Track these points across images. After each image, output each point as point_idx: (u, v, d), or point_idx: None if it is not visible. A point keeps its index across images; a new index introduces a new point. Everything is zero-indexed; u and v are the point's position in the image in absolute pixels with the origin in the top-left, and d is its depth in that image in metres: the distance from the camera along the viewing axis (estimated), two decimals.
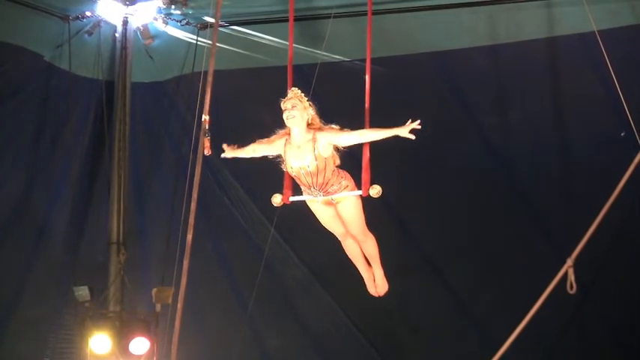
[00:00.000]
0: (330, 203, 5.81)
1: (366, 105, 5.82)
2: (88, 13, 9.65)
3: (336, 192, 5.71)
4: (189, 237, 7.54)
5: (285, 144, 5.70)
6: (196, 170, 7.39)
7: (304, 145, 5.62)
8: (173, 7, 9.66)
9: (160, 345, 9.17)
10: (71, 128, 9.87)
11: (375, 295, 6.29)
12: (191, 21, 9.75)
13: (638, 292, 9.25)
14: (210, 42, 7.92)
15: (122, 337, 9.09)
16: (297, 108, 5.62)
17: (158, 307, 9.28)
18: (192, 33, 9.79)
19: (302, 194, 5.82)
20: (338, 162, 5.71)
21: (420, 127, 5.43)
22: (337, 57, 9.44)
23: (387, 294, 6.33)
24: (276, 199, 5.85)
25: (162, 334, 9.20)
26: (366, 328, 10.03)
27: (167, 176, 10.18)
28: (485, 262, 9.64)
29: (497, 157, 9.61)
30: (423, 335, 9.93)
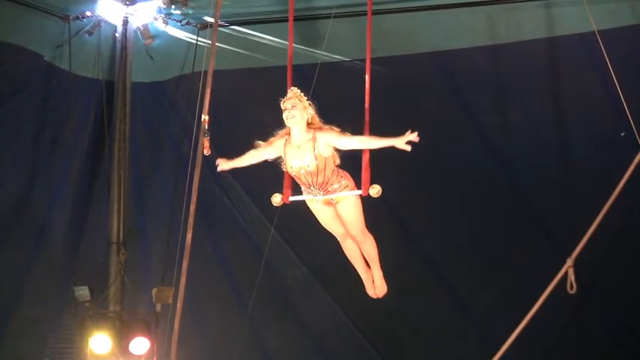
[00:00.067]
0: (329, 203, 5.81)
1: (366, 105, 5.83)
2: (88, 13, 9.65)
3: (335, 191, 5.72)
4: (189, 237, 7.55)
5: (285, 144, 5.70)
6: (196, 170, 7.40)
7: (304, 144, 5.63)
8: (173, 7, 9.66)
9: (160, 345, 9.17)
10: (71, 128, 9.87)
11: (374, 296, 6.30)
12: (191, 21, 9.75)
13: (638, 292, 9.25)
14: (210, 42, 7.92)
15: (122, 337, 9.09)
16: (296, 108, 5.63)
17: (158, 307, 9.27)
18: (193, 33, 9.79)
19: (302, 194, 5.83)
20: (338, 161, 5.72)
21: (417, 139, 5.42)
22: (337, 57, 9.44)
23: (386, 294, 6.32)
24: (276, 199, 5.86)
25: (163, 334, 9.20)
26: (366, 328, 10.03)
27: (167, 176, 10.18)
28: (485, 262, 9.63)
29: (497, 157, 9.60)
30: (423, 335, 9.92)
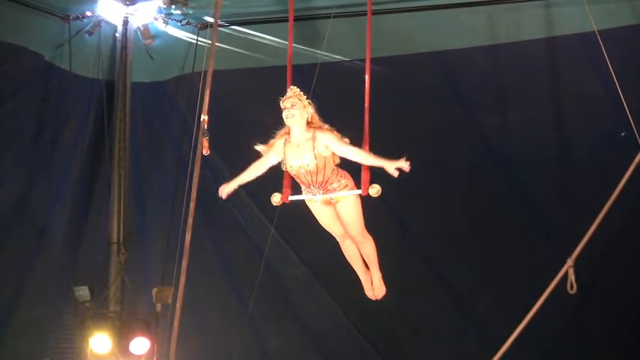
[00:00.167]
0: (329, 203, 5.80)
1: (366, 104, 5.83)
2: (88, 13, 9.65)
3: (335, 190, 5.71)
4: (188, 237, 7.55)
5: (284, 143, 5.70)
6: (195, 170, 7.40)
7: (304, 143, 5.62)
8: (173, 7, 9.66)
9: (160, 345, 9.17)
10: (71, 128, 9.87)
11: (373, 298, 6.27)
12: (191, 21, 9.75)
13: (638, 292, 9.25)
14: (210, 42, 7.92)
15: (122, 337, 9.09)
16: (296, 107, 5.62)
17: (158, 307, 9.27)
18: (193, 33, 9.79)
19: (301, 193, 5.83)
20: (338, 161, 5.71)
21: (408, 169, 5.47)
22: (337, 57, 9.44)
23: (386, 294, 6.31)
24: (276, 199, 5.86)
25: (163, 334, 9.19)
26: (366, 328, 10.03)
27: (167, 176, 10.19)
28: (485, 262, 9.63)
29: (497, 157, 9.61)
30: (423, 335, 9.92)
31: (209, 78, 6.94)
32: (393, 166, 5.46)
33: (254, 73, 9.81)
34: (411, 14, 9.19)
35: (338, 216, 5.85)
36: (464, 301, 9.87)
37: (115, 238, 9.64)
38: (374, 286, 6.22)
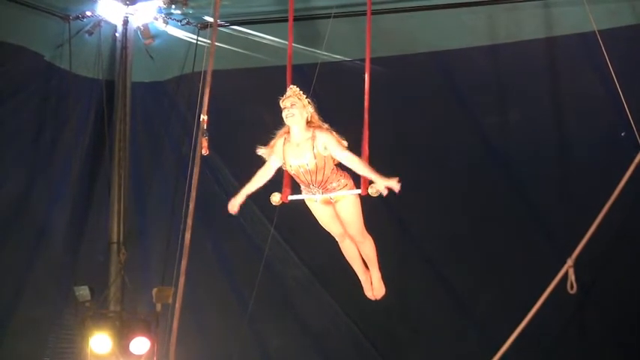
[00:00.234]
0: (328, 202, 5.80)
1: (366, 104, 5.82)
2: (88, 13, 9.64)
3: (334, 190, 5.71)
4: (188, 237, 7.55)
5: (283, 143, 5.70)
6: (194, 170, 7.40)
7: (303, 143, 5.62)
8: (173, 6, 9.66)
9: (161, 345, 9.16)
10: (71, 128, 9.87)
11: (372, 298, 6.27)
12: (191, 21, 9.75)
13: (638, 292, 9.25)
14: (210, 42, 7.93)
15: (122, 337, 9.08)
16: (296, 106, 5.62)
17: (158, 306, 9.26)
18: (193, 33, 9.79)
19: (301, 193, 5.83)
20: (337, 160, 5.70)
21: (398, 191, 5.48)
22: (337, 57, 9.44)
23: (386, 294, 6.31)
24: (275, 198, 5.86)
25: (163, 334, 9.19)
26: (366, 327, 10.03)
27: (167, 176, 10.19)
28: (485, 262, 9.63)
29: (497, 157, 9.60)
30: (423, 335, 9.93)
31: (209, 78, 6.94)
32: (383, 184, 5.48)
33: (254, 73, 9.81)
34: (411, 14, 9.20)
35: (337, 216, 5.85)
36: (464, 301, 9.87)
37: (115, 238, 9.64)
38: (373, 286, 6.22)
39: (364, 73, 5.91)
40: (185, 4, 9.59)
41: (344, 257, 6.16)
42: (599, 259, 8.59)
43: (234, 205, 5.88)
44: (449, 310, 9.87)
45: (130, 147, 9.85)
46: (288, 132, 5.69)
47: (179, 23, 9.76)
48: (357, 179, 5.72)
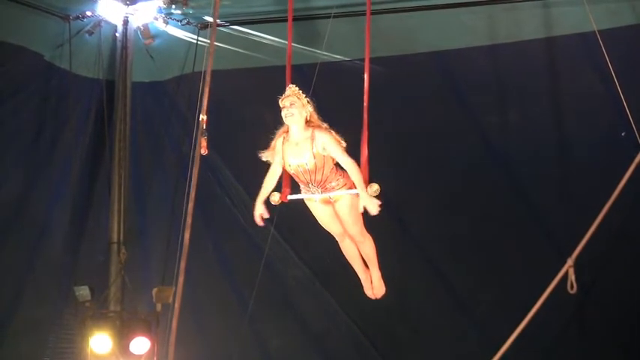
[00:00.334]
0: (328, 202, 5.80)
1: (365, 104, 5.82)
2: (88, 13, 9.64)
3: (334, 189, 5.72)
4: (187, 236, 7.55)
5: (283, 142, 5.70)
6: (194, 170, 7.40)
7: (302, 142, 5.62)
8: (173, 6, 9.66)
9: (161, 345, 9.15)
10: (71, 128, 9.86)
11: (372, 297, 6.28)
12: (191, 21, 9.75)
13: (638, 292, 9.25)
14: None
15: (122, 337, 9.06)
16: (295, 106, 5.62)
17: (159, 306, 9.25)
18: (193, 33, 9.78)
19: (300, 193, 5.83)
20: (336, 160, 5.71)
21: (374, 214, 5.52)
22: (337, 57, 9.44)
23: (386, 294, 6.32)
24: (274, 198, 5.87)
25: (163, 334, 9.18)
26: (366, 327, 10.03)
27: (167, 176, 10.19)
28: (485, 262, 9.63)
29: (497, 157, 9.60)
30: (423, 335, 9.92)
31: (208, 78, 6.95)
32: (364, 201, 5.52)
33: (254, 73, 9.80)
34: (411, 14, 9.19)
35: (337, 215, 5.85)
36: (464, 301, 9.87)
37: (115, 238, 9.63)
38: (373, 285, 6.22)
39: (364, 73, 5.91)
40: (185, 4, 9.59)
41: (344, 257, 6.17)
42: (599, 259, 8.59)
43: (257, 217, 5.86)
44: (449, 310, 9.87)
45: (130, 147, 9.84)
46: (287, 131, 5.70)
47: (179, 23, 9.76)
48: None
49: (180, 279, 7.72)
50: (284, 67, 6.12)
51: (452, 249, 9.75)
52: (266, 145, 5.83)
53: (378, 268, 6.15)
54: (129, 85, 9.87)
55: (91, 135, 10.09)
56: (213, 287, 10.20)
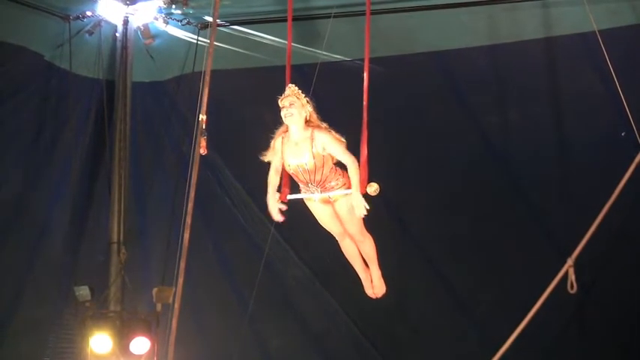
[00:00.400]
0: (327, 201, 5.81)
1: (364, 103, 5.82)
2: (88, 13, 9.64)
3: (333, 189, 5.72)
4: (187, 236, 7.55)
5: (282, 142, 5.70)
6: (194, 170, 7.40)
7: (302, 142, 5.63)
8: (174, 6, 9.66)
9: (161, 345, 9.15)
10: (71, 128, 9.86)
11: (373, 296, 6.29)
12: (192, 21, 9.74)
13: (638, 292, 9.25)
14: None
15: (123, 337, 9.06)
16: (294, 106, 5.63)
17: (159, 306, 9.25)
18: (193, 33, 9.78)
19: (300, 192, 5.83)
20: (336, 159, 5.71)
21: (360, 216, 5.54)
22: (337, 57, 9.44)
23: (386, 294, 6.32)
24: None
25: (163, 334, 9.17)
26: (366, 327, 10.03)
27: (167, 176, 10.19)
28: (485, 262, 9.63)
29: (497, 156, 9.60)
30: (423, 335, 9.92)
31: (207, 77, 6.95)
32: (355, 201, 5.56)
33: (254, 73, 9.80)
34: (411, 14, 9.19)
35: (337, 215, 5.86)
36: (464, 301, 9.87)
37: (115, 238, 9.62)
38: (374, 285, 6.23)
39: (364, 73, 5.91)
40: (185, 4, 9.58)
41: (344, 256, 6.17)
42: (599, 259, 8.59)
43: (275, 214, 5.84)
44: (449, 310, 9.87)
45: (130, 147, 9.84)
46: (287, 131, 5.70)
47: (179, 23, 9.76)
48: None
49: (180, 279, 7.72)
50: (284, 67, 6.13)
51: (452, 249, 9.75)
52: (266, 146, 5.84)
53: (378, 268, 6.16)
54: (129, 85, 9.87)
55: (91, 135, 10.09)
56: (213, 287, 10.20)
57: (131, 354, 9.04)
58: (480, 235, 9.58)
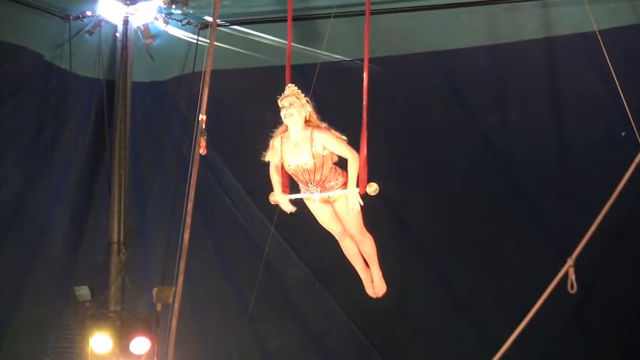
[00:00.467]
0: (327, 201, 5.82)
1: (364, 102, 5.83)
2: (88, 13, 9.64)
3: (333, 189, 5.73)
4: (186, 236, 7.55)
5: (281, 142, 5.71)
6: (193, 170, 7.40)
7: (301, 142, 5.63)
8: (174, 6, 9.66)
9: (161, 345, 9.15)
10: (71, 128, 9.86)
11: (373, 296, 6.30)
12: (192, 20, 9.74)
13: (638, 292, 9.25)
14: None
15: (123, 337, 9.07)
16: (294, 106, 5.63)
17: (159, 306, 9.26)
18: (193, 33, 9.78)
19: (300, 192, 5.84)
20: (336, 159, 5.72)
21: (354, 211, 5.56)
22: (337, 57, 9.44)
23: (386, 294, 6.33)
24: (274, 197, 5.89)
25: (163, 334, 9.17)
26: (366, 327, 10.03)
27: (167, 176, 10.19)
28: (485, 262, 9.63)
29: (497, 156, 9.60)
30: (423, 335, 9.92)
31: (207, 77, 6.95)
32: (350, 195, 5.59)
33: (254, 73, 9.80)
34: (411, 14, 9.19)
35: (336, 214, 5.86)
36: (464, 301, 9.87)
37: (115, 238, 9.62)
38: (374, 284, 6.24)
39: (363, 73, 5.92)
40: (185, 4, 9.58)
41: (344, 256, 6.18)
42: (599, 259, 8.59)
43: (286, 207, 5.84)
44: (449, 310, 9.87)
45: (130, 147, 9.84)
46: (286, 130, 5.70)
47: (179, 23, 9.76)
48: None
49: (180, 279, 7.72)
50: (284, 67, 6.13)
51: (452, 249, 9.75)
52: (266, 146, 5.86)
53: (378, 267, 6.17)
54: (129, 85, 9.87)
55: (91, 135, 10.09)
56: (213, 287, 10.20)
57: (131, 354, 9.04)
58: (480, 235, 9.59)
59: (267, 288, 9.82)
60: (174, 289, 8.66)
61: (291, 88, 5.72)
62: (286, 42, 6.27)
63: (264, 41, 9.65)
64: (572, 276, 6.76)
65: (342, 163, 5.74)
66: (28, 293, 9.79)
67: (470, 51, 9.40)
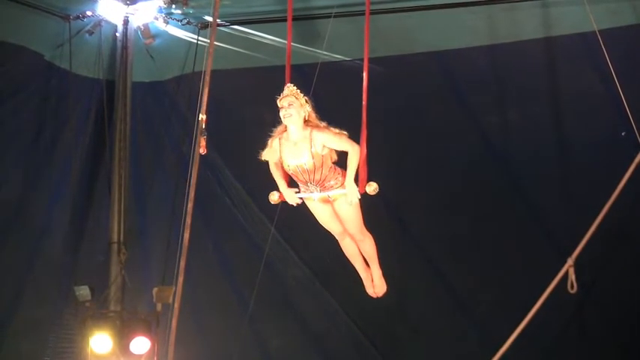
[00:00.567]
0: (327, 201, 5.82)
1: (364, 102, 5.83)
2: (88, 13, 9.64)
3: (332, 188, 5.72)
4: (186, 236, 7.55)
5: (280, 142, 5.70)
6: (193, 170, 7.41)
7: (301, 142, 5.63)
8: (174, 6, 9.66)
9: (161, 344, 9.15)
10: (71, 128, 9.86)
11: (374, 295, 6.30)
12: (192, 20, 9.75)
13: (638, 292, 9.25)
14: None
15: (123, 337, 9.07)
16: (293, 106, 5.62)
17: (159, 306, 9.26)
18: (193, 32, 9.78)
19: (299, 192, 5.84)
20: (335, 158, 5.72)
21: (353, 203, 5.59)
22: (337, 57, 9.44)
23: (386, 294, 6.33)
24: (274, 197, 5.88)
25: (163, 334, 9.17)
26: (367, 327, 10.03)
27: (167, 176, 10.19)
28: (485, 262, 9.63)
29: (497, 156, 9.60)
30: (423, 335, 9.92)
31: (207, 77, 6.96)
32: (348, 189, 5.58)
33: (254, 73, 9.80)
34: (410, 14, 9.19)
35: (336, 214, 5.86)
36: (464, 301, 9.87)
37: (115, 238, 9.62)
38: (374, 283, 6.24)
39: (363, 73, 5.92)
40: (185, 4, 9.59)
41: (344, 256, 6.18)
42: (599, 259, 8.59)
43: (293, 199, 5.84)
44: (449, 310, 9.87)
45: (130, 147, 9.84)
46: (285, 130, 5.70)
47: (179, 23, 9.76)
48: (355, 178, 5.72)
49: (180, 279, 7.72)
50: (284, 67, 6.13)
51: (452, 249, 9.75)
52: (264, 145, 5.84)
53: (378, 266, 6.17)
54: (129, 85, 9.87)
55: (91, 135, 10.09)
56: (213, 287, 10.19)
57: (131, 354, 9.04)
58: (480, 235, 9.59)
59: (267, 288, 9.83)
60: (174, 288, 8.66)
61: (290, 88, 5.72)
62: (286, 42, 6.27)
63: (264, 41, 9.65)
64: (572, 276, 6.75)
65: (341, 163, 5.74)
66: (28, 293, 9.79)
67: (469, 51, 9.40)
